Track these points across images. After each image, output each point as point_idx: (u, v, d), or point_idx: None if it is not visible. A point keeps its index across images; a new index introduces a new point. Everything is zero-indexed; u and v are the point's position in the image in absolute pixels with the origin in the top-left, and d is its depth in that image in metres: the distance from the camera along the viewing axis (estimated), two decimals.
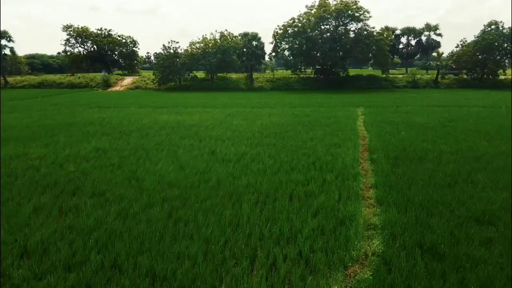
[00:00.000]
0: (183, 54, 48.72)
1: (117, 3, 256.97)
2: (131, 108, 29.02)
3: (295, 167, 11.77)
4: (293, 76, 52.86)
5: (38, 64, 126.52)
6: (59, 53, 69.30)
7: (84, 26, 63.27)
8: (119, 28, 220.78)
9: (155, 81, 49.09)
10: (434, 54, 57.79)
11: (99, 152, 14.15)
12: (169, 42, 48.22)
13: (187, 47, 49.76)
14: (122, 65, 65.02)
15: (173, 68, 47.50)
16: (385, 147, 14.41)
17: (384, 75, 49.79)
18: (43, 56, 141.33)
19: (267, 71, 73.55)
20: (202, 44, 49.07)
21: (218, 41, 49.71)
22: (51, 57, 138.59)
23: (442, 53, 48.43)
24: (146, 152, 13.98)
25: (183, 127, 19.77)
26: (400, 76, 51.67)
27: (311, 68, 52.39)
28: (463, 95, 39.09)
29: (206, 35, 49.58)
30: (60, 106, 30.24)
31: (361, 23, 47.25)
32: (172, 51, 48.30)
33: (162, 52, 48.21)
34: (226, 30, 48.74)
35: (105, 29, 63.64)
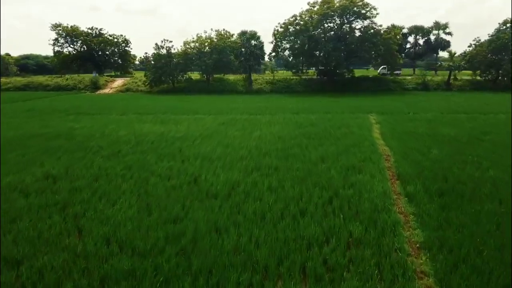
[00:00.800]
0: (177, 54, 45.38)
1: (117, 3, 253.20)
2: (112, 115, 25.71)
3: (305, 209, 8.49)
4: (294, 77, 49.54)
5: (32, 64, 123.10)
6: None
7: (74, 25, 59.98)
8: (119, 28, 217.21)
9: (146, 83, 45.73)
10: (445, 54, 54.47)
11: (48, 180, 10.87)
12: (162, 41, 44.92)
13: (181, 46, 46.49)
14: (114, 65, 61.67)
15: (166, 69, 44.15)
16: (419, 174, 11.11)
17: (392, 77, 46.47)
18: (37, 56, 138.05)
19: (266, 72, 70.29)
20: (197, 44, 45.76)
21: (215, 40, 46.40)
22: (46, 57, 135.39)
23: (455, 53, 45.18)
24: (108, 181, 10.66)
25: (165, 141, 16.45)
26: (409, 77, 48.35)
27: (313, 69, 49.06)
28: (480, 98, 35.78)
29: (200, 34, 45.98)
30: (34, 113, 26.90)
31: (367, 20, 43.99)
32: (165, 50, 44.96)
33: (154, 51, 44.86)
34: (223, 29, 45.14)
35: (96, 28, 60.38)
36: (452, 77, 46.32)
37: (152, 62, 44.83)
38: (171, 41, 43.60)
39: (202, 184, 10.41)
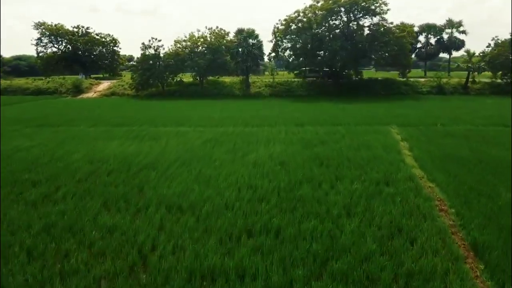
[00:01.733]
0: (167, 54, 41.06)
1: (117, 3, 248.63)
2: (80, 127, 21.41)
3: None
4: (295, 79, 45.17)
5: (24, 65, 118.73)
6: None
7: (59, 24, 55.69)
8: (119, 29, 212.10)
9: (132, 86, 41.36)
10: (463, 54, 50.01)
11: None
12: (149, 40, 40.55)
13: (171, 45, 42.18)
14: (102, 67, 57.31)
15: (154, 71, 39.81)
16: (504, 244, 6.82)
17: (404, 79, 42.13)
18: (30, 57, 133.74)
19: (266, 73, 66.02)
20: (189, 43, 41.42)
21: (208, 39, 42.09)
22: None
23: (474, 53, 40.87)
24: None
25: (126, 170, 12.16)
26: (422, 80, 44.03)
27: (318, 70, 44.71)
28: (507, 104, 31.40)
29: (193, 32, 41.71)
30: None
31: (377, 17, 39.69)
32: (153, 50, 40.60)
33: (141, 51, 40.48)
34: (217, 26, 40.92)
35: (82, 27, 56.02)
36: (470, 79, 42.00)
37: (138, 63, 40.46)
38: (160, 40, 39.14)
39: (152, 272, 6.12)
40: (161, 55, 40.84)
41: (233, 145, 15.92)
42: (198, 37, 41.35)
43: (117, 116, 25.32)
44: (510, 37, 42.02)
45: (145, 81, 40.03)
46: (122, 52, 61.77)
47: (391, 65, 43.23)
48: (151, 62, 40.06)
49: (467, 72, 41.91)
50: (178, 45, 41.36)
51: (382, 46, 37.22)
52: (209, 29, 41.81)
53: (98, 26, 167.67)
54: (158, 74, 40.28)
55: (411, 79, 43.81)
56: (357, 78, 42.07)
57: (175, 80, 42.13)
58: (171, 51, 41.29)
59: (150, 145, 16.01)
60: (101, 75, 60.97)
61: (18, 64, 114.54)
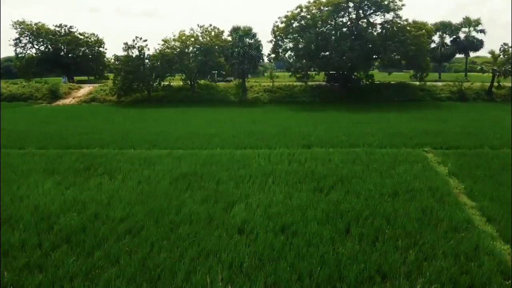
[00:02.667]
0: (153, 56, 36.37)
1: (117, 5, 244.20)
2: (13, 149, 16.71)
3: None
4: (298, 84, 40.39)
5: (15, 67, 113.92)
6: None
7: (39, 23, 51.05)
8: (119, 30, 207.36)
9: (113, 92, 36.59)
10: (478, 55, 45.46)
11: None
12: (133, 40, 35.84)
13: (159, 44, 37.48)
14: (86, 69, 52.58)
15: (138, 74, 35.11)
16: None
17: (422, 83, 37.35)
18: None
19: (266, 74, 61.33)
20: (177, 43, 36.69)
21: (200, 38, 37.38)
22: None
23: (499, 55, 36.11)
24: None
25: (35, 245, 7.46)
26: (440, 84, 39.28)
27: (323, 72, 39.93)
28: None
29: (184, 30, 37.04)
30: None
31: (391, 13, 34.97)
32: (136, 51, 35.87)
33: (124, 53, 35.70)
34: (210, 24, 36.26)
35: (65, 26, 51.32)
36: (495, 83, 37.25)
37: (120, 66, 35.73)
38: (145, 40, 34.33)
39: None
40: (146, 56, 36.09)
41: (215, 186, 11.20)
42: (188, 36, 36.62)
43: (77, 132, 20.50)
44: None
45: (127, 85, 35.32)
46: (120, 54, 57.05)
47: (406, 67, 38.51)
48: (134, 64, 35.29)
49: (491, 75, 37.14)
50: (166, 45, 36.62)
51: (398, 46, 32.44)
52: (200, 27, 37.11)
53: (98, 27, 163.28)
54: (142, 78, 35.55)
55: (427, 83, 39.04)
56: (367, 83, 37.27)
57: (162, 84, 37.41)
58: (157, 51, 36.57)
59: (96, 187, 11.28)
60: (86, 78, 56.30)
61: (9, 65, 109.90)
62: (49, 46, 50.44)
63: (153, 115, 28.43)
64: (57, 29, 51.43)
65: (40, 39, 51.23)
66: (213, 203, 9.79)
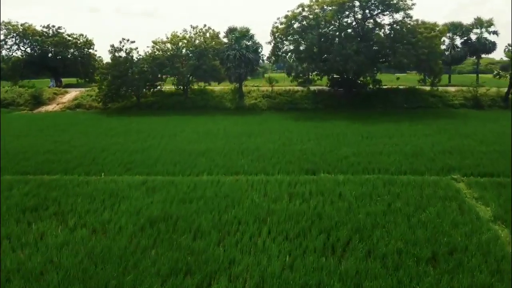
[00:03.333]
0: (142, 59, 33.58)
1: (117, 5, 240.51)
2: None
3: None
4: (299, 89, 37.52)
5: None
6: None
7: (26, 23, 48.24)
8: (119, 30, 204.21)
9: (98, 99, 33.75)
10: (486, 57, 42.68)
11: None
12: (120, 42, 33.06)
13: (148, 47, 34.71)
14: (75, 72, 49.81)
15: (125, 79, 32.34)
16: None
17: (435, 88, 34.53)
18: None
19: (265, 75, 58.51)
20: (168, 45, 33.89)
21: (194, 39, 34.57)
22: None
23: None
24: None
25: None
26: (453, 89, 36.44)
27: (327, 77, 37.10)
28: None
29: (176, 31, 34.28)
30: None
31: (400, 13, 32.15)
32: (124, 53, 33.05)
33: (110, 55, 32.89)
34: (204, 25, 33.53)
35: (53, 26, 48.47)
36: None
37: (106, 70, 32.91)
38: (133, 42, 31.54)
39: None
40: (135, 59, 33.31)
41: (190, 242, 8.40)
42: (180, 38, 33.82)
43: (45, 150, 17.47)
44: None
45: (114, 91, 32.51)
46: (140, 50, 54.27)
47: (416, 69, 35.69)
48: (121, 68, 32.51)
49: (508, 80, 34.33)
50: (156, 47, 33.85)
51: (409, 49, 29.60)
52: (194, 28, 34.31)
53: (98, 27, 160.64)
54: (130, 83, 32.75)
55: (439, 88, 36.20)
56: (375, 88, 34.45)
57: (152, 89, 34.62)
58: (147, 54, 33.80)
59: (35, 243, 8.51)
60: (76, 81, 53.51)
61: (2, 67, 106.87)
62: (35, 48, 47.59)
63: (138, 125, 25.59)
64: (45, 30, 48.61)
65: (27, 41, 48.40)
66: (183, 277, 6.99)
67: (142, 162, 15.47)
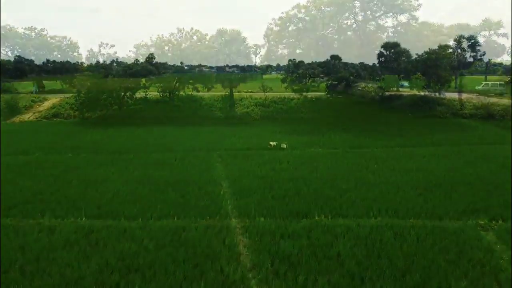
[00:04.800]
0: (123, 64, 30.84)
1: (117, 5, 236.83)
2: None
3: None
4: (295, 96, 34.67)
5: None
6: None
7: (7, 26, 45.72)
8: (119, 31, 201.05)
9: (75, 107, 30.93)
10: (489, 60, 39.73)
11: None
12: (99, 46, 30.37)
13: (130, 51, 32.00)
14: (59, 76, 47.09)
15: (105, 86, 29.63)
16: None
17: (442, 96, 31.71)
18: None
19: (264, 76, 55.57)
20: (153, 49, 31.17)
21: (181, 43, 31.78)
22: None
23: None
24: None
25: None
26: (461, 97, 33.63)
27: (325, 83, 34.32)
28: None
29: (162, 35, 31.45)
30: None
31: (405, 14, 29.45)
32: (101, 58, 30.33)
33: (84, 60, 30.07)
34: (191, 28, 30.80)
35: (35, 28, 45.99)
36: None
37: (83, 77, 30.17)
38: (112, 46, 29.16)
39: None
40: (115, 64, 30.55)
41: None
42: (165, 41, 31.05)
43: None
44: None
45: (92, 100, 29.76)
46: (120, 55, 51.44)
47: (423, 74, 32.90)
48: (101, 72, 29.74)
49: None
50: (139, 52, 31.05)
51: (416, 54, 26.87)
52: (180, 31, 31.52)
53: (98, 27, 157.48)
54: (110, 90, 30.00)
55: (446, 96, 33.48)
56: (377, 97, 31.72)
57: (134, 97, 31.88)
58: (129, 58, 31.02)
59: None
60: (61, 86, 50.74)
61: None
62: (15, 51, 44.94)
63: (107, 145, 21.70)
64: (27, 32, 45.96)
65: (7, 43, 45.76)
66: None
67: (94, 199, 12.60)
